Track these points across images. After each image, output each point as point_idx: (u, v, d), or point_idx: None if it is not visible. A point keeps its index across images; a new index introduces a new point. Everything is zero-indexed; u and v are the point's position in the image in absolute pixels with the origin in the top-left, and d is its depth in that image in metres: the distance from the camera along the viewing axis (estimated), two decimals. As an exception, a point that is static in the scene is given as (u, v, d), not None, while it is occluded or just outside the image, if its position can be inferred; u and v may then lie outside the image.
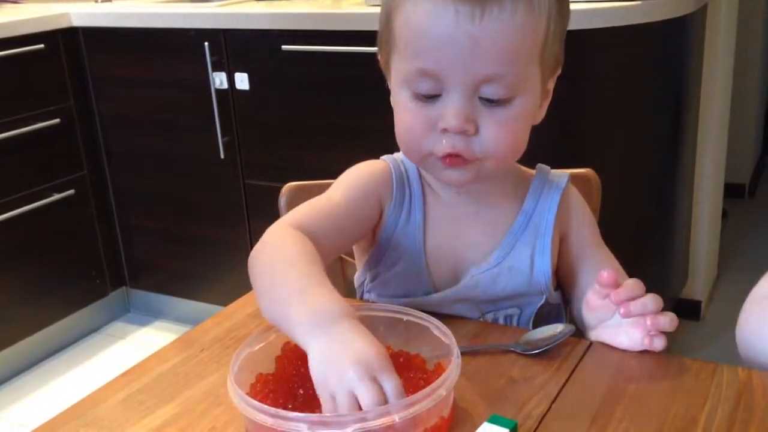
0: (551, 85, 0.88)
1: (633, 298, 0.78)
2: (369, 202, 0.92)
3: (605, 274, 0.79)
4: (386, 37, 0.84)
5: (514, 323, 0.93)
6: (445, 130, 0.79)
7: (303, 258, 0.78)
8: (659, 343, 0.78)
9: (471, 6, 0.75)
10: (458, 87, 0.78)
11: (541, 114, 0.88)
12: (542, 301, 0.92)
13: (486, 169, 0.83)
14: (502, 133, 0.80)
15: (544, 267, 0.91)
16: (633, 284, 0.78)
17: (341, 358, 0.64)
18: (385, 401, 0.62)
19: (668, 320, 0.78)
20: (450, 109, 0.78)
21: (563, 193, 0.93)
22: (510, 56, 0.77)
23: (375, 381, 0.63)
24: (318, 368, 0.65)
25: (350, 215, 0.90)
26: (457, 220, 0.92)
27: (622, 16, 1.80)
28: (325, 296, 0.71)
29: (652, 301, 0.78)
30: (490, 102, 0.79)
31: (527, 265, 0.90)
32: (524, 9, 0.76)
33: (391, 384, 0.63)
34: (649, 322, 0.77)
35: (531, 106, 0.82)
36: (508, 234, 0.91)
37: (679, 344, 2.33)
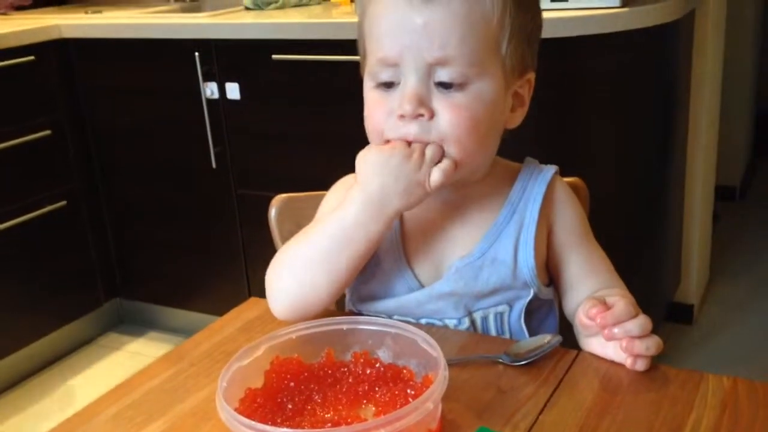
0: (525, 91, 0.90)
1: (619, 322, 0.79)
2: None
3: (593, 312, 0.80)
4: (361, 43, 0.90)
5: (506, 320, 0.93)
6: (402, 116, 0.83)
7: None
8: (640, 365, 0.78)
9: None
10: (412, 72, 0.82)
11: (516, 119, 0.90)
12: (530, 296, 0.92)
13: (454, 156, 0.83)
14: (456, 116, 0.82)
15: (527, 259, 0.91)
16: (621, 310, 0.79)
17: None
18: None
19: (644, 346, 0.78)
20: (404, 93, 0.83)
21: (549, 184, 0.93)
22: (459, 39, 0.81)
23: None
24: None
25: None
26: (437, 214, 0.93)
27: (611, 23, 1.81)
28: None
29: (636, 326, 0.78)
30: (444, 87, 0.82)
31: (510, 257, 0.90)
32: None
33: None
34: (624, 344, 0.78)
35: (490, 94, 0.84)
36: (492, 226, 0.92)
37: (672, 347, 2.34)
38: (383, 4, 0.84)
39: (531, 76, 0.90)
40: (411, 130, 0.83)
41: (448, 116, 0.82)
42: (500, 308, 0.92)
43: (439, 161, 0.83)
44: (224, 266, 2.43)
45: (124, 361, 2.54)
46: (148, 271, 2.63)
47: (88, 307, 2.62)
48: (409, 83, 0.82)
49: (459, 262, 0.91)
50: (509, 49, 0.84)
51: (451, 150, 0.83)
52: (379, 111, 0.86)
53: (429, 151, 0.82)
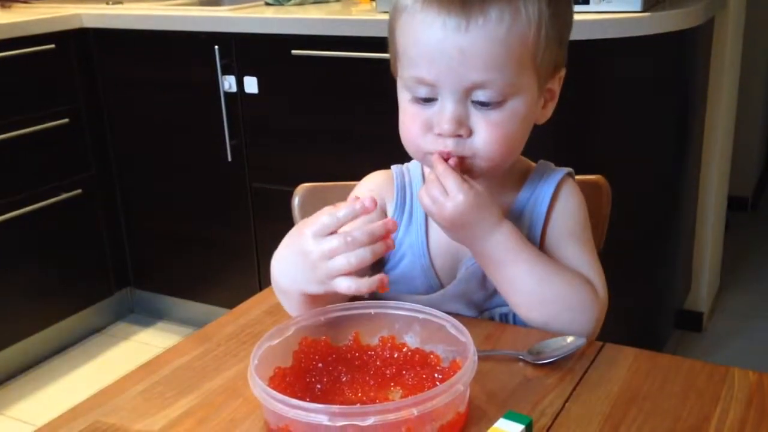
0: (555, 86, 0.90)
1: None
2: (378, 207, 0.95)
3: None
4: (392, 43, 0.89)
5: (510, 321, 0.94)
6: (440, 134, 0.83)
7: None
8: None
9: (457, 18, 0.79)
10: (450, 93, 0.82)
11: (546, 114, 0.91)
12: None
13: (479, 168, 0.85)
14: (493, 135, 0.83)
15: None
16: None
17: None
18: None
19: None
20: (444, 114, 0.82)
21: (557, 185, 0.94)
22: (497, 64, 0.80)
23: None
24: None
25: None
26: None
27: (631, 27, 1.82)
28: None
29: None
30: (482, 105, 0.82)
31: None
32: (510, 18, 0.80)
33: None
34: None
35: (525, 108, 0.84)
36: None
37: (681, 355, 2.33)
38: (417, 21, 0.82)
39: (562, 72, 0.90)
40: (449, 146, 0.83)
41: (484, 136, 0.83)
42: (504, 309, 0.93)
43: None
44: (236, 259, 2.43)
45: (133, 351, 2.55)
46: (159, 261, 2.64)
47: (98, 296, 2.63)
48: (448, 104, 0.82)
49: (469, 260, 0.92)
50: (544, 58, 0.84)
51: (482, 164, 0.84)
52: (416, 125, 0.85)
53: (334, 263, 0.75)
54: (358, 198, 0.78)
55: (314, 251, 0.76)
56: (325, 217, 0.76)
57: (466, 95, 0.82)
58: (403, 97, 0.87)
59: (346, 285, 0.75)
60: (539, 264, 0.86)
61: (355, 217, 0.75)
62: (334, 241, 0.75)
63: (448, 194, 0.82)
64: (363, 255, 0.74)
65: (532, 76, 0.84)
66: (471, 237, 0.85)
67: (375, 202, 0.75)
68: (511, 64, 0.81)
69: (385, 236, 0.76)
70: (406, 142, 0.89)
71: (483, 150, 0.83)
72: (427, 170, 0.98)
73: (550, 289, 0.86)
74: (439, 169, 0.82)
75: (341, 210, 0.75)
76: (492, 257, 0.86)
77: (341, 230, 0.77)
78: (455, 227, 0.85)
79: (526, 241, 0.87)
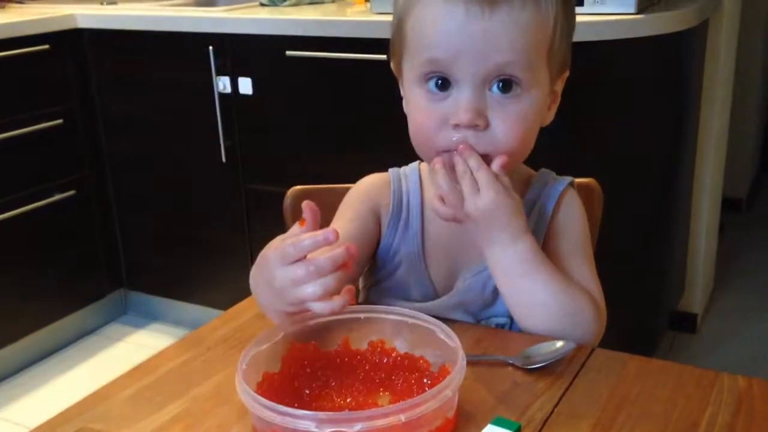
0: (559, 87, 0.90)
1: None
2: (372, 213, 0.96)
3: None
4: (398, 41, 0.87)
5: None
6: (456, 126, 0.81)
7: None
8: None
9: (480, 5, 0.78)
10: (468, 80, 0.80)
11: (550, 116, 0.90)
12: None
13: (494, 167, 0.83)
14: (512, 127, 0.82)
15: None
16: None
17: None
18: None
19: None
20: (461, 104, 0.81)
21: (560, 196, 0.94)
22: (519, 48, 0.80)
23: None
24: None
25: (359, 230, 0.94)
26: (454, 225, 0.92)
27: (626, 29, 1.82)
28: None
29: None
30: (500, 94, 0.81)
31: None
32: (532, 8, 0.80)
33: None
34: None
35: (539, 104, 0.84)
36: None
37: (675, 356, 2.34)
38: (436, 7, 0.81)
39: (566, 74, 0.90)
40: (467, 138, 0.81)
41: (504, 127, 0.81)
42: (501, 320, 0.93)
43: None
44: (230, 261, 2.43)
45: (126, 353, 2.54)
46: (153, 262, 2.63)
47: (92, 297, 2.62)
48: (465, 92, 0.80)
49: (468, 273, 0.91)
50: (557, 53, 0.84)
51: (501, 159, 0.83)
52: (431, 120, 0.83)
53: (300, 292, 0.72)
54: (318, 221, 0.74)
55: (278, 279, 0.73)
56: (288, 246, 0.72)
57: (483, 83, 0.80)
58: (414, 93, 0.84)
59: (320, 308, 0.72)
60: (555, 279, 0.85)
61: (317, 248, 0.72)
62: (297, 271, 0.72)
63: (480, 189, 0.80)
64: (327, 283, 0.71)
65: (546, 71, 0.84)
66: (496, 240, 0.83)
67: (337, 234, 0.71)
68: (531, 52, 0.81)
69: (346, 262, 0.72)
70: (418, 141, 0.86)
71: (502, 143, 0.82)
72: (425, 177, 0.97)
73: (562, 304, 0.84)
74: (472, 163, 0.80)
75: (304, 240, 0.72)
76: (510, 266, 0.84)
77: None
78: (484, 222, 0.82)
79: (543, 253, 0.86)
